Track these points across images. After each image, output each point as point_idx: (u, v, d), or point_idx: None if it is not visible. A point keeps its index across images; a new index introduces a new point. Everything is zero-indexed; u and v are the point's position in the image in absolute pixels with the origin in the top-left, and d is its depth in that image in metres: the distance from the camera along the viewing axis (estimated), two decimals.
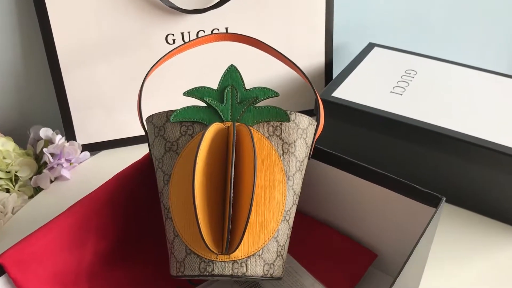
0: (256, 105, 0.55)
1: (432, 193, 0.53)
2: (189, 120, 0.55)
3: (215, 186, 0.52)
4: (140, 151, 0.65)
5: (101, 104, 0.82)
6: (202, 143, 0.50)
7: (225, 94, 0.55)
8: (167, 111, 0.56)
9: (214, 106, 0.55)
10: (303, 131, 0.56)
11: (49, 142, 0.82)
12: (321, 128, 0.59)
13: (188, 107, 0.55)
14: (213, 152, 0.52)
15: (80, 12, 0.76)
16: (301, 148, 0.55)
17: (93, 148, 0.85)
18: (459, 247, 0.68)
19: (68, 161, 0.81)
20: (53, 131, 0.83)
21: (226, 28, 0.81)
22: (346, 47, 0.95)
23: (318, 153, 0.60)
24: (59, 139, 0.81)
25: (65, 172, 0.79)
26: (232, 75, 0.56)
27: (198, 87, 0.55)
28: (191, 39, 0.80)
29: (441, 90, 0.78)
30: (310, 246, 0.64)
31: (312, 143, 0.58)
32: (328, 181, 0.62)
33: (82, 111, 0.82)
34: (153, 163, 0.58)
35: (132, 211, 0.60)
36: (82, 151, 0.83)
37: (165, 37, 0.80)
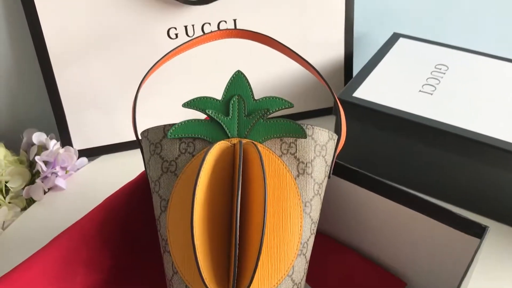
0: (267, 117, 0.47)
1: (475, 222, 0.45)
2: (190, 136, 0.47)
3: (219, 217, 0.44)
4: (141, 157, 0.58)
5: (98, 106, 0.75)
6: (203, 167, 0.43)
7: (230, 105, 0.48)
8: (165, 125, 0.48)
9: (218, 119, 0.47)
10: (322, 147, 0.48)
11: (43, 147, 0.75)
12: (343, 142, 0.51)
13: (188, 121, 0.48)
14: (216, 175, 0.45)
15: (71, 3, 0.68)
16: (320, 168, 0.48)
17: (91, 153, 0.78)
18: (503, 273, 0.60)
19: (64, 169, 0.74)
20: (48, 135, 0.76)
21: (235, 20, 0.73)
22: (368, 38, 0.87)
23: (340, 169, 0.53)
24: (53, 144, 0.74)
25: (60, 182, 0.72)
26: (238, 82, 0.48)
27: (200, 98, 0.48)
28: (195, 34, 0.73)
29: (477, 89, 0.69)
30: (329, 272, 0.57)
31: (332, 160, 0.50)
32: (352, 201, 0.54)
33: (78, 113, 0.75)
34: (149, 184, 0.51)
35: (127, 240, 0.54)
36: (78, 157, 0.76)
37: (166, 31, 0.72)
